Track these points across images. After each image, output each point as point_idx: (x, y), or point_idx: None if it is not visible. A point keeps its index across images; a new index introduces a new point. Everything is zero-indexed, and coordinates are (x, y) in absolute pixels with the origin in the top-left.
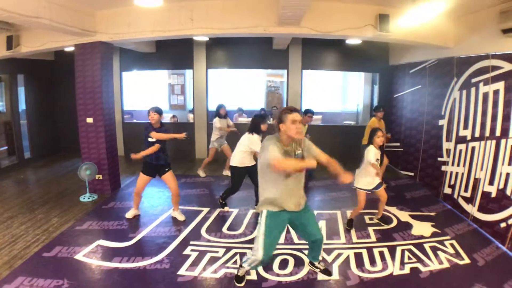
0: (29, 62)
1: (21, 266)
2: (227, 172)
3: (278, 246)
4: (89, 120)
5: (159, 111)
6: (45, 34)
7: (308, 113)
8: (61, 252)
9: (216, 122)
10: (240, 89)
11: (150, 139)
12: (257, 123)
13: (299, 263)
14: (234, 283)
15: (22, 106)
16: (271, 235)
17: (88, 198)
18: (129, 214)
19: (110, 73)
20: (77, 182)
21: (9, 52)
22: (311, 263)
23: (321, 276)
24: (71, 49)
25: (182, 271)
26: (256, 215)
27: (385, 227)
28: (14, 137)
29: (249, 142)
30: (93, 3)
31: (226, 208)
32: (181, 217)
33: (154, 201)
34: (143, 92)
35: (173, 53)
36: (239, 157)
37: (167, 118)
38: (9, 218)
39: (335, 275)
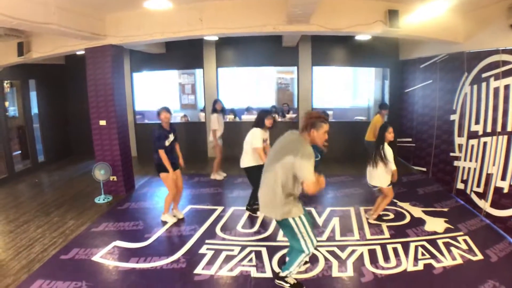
0: (40, 67)
1: (39, 269)
2: (215, 176)
3: None
4: (102, 122)
5: (170, 111)
6: (56, 39)
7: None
8: (79, 254)
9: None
10: (250, 87)
11: (168, 142)
12: (262, 117)
13: (313, 260)
14: (251, 281)
15: (34, 110)
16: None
17: (103, 200)
18: (172, 219)
19: (121, 76)
20: (91, 184)
21: (21, 59)
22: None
23: (335, 273)
24: (82, 52)
25: (198, 270)
26: None
27: (399, 223)
28: (27, 141)
29: (250, 137)
30: (102, 7)
31: (258, 213)
32: (179, 215)
33: None
34: (154, 93)
35: (183, 53)
36: (251, 158)
37: (177, 117)
38: (26, 222)
39: (350, 272)
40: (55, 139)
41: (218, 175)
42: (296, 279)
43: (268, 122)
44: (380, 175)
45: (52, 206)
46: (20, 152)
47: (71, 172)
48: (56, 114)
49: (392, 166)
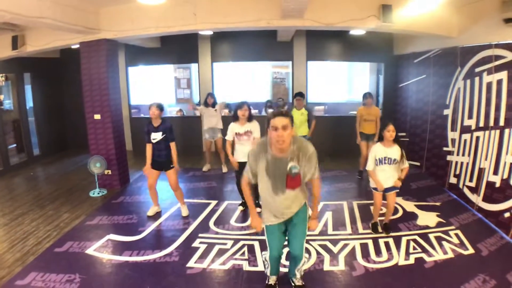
0: (35, 61)
1: (33, 262)
2: (225, 169)
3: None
4: (97, 116)
5: (161, 107)
6: (50, 33)
7: (297, 96)
8: (72, 247)
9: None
10: (245, 81)
11: (153, 140)
12: (235, 111)
13: (305, 254)
14: (243, 274)
15: (29, 103)
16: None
17: (98, 193)
18: (150, 212)
19: (115, 70)
20: (86, 177)
21: (15, 52)
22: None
23: (327, 267)
24: (77, 46)
25: (191, 263)
26: None
27: (391, 217)
28: (22, 135)
29: None
30: (96, 1)
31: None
32: (184, 212)
33: (163, 195)
34: (150, 87)
35: (178, 47)
36: (236, 152)
37: (173, 112)
38: (21, 215)
39: (341, 266)
40: (51, 133)
41: (205, 166)
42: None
43: (240, 113)
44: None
45: (47, 200)
46: (15, 145)
47: (66, 166)
48: (51, 107)
49: (367, 165)
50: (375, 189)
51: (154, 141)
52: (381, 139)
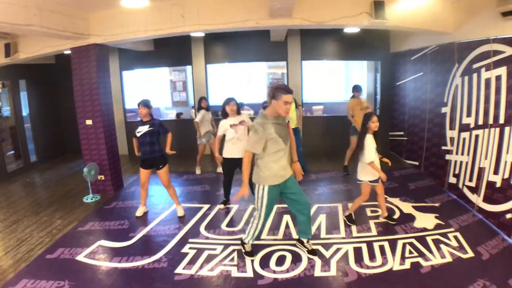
0: (29, 67)
1: (25, 269)
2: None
3: (275, 242)
4: (89, 122)
5: (147, 105)
6: (41, 40)
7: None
8: (64, 254)
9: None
10: (241, 82)
11: (138, 132)
12: (223, 107)
13: (296, 259)
14: (230, 280)
15: (26, 110)
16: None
17: (91, 199)
18: (138, 212)
19: (106, 75)
20: (81, 183)
21: (8, 60)
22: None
23: (318, 272)
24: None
25: (179, 269)
26: None
27: (387, 220)
28: (19, 141)
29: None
30: (84, 7)
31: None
32: (179, 212)
33: (155, 200)
34: (146, 90)
35: (171, 50)
36: (225, 149)
37: (171, 115)
38: (15, 222)
39: (333, 271)
40: (47, 139)
41: (197, 169)
42: (276, 278)
43: (228, 109)
44: (359, 167)
45: (41, 206)
46: (13, 152)
47: (62, 171)
48: (47, 113)
49: (367, 157)
50: (374, 181)
51: (138, 134)
52: (365, 131)
